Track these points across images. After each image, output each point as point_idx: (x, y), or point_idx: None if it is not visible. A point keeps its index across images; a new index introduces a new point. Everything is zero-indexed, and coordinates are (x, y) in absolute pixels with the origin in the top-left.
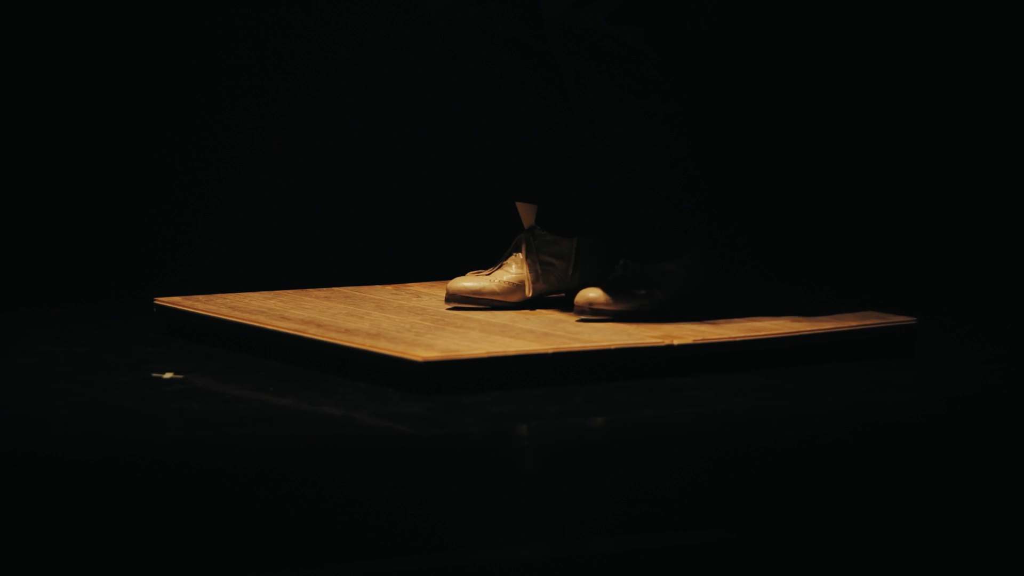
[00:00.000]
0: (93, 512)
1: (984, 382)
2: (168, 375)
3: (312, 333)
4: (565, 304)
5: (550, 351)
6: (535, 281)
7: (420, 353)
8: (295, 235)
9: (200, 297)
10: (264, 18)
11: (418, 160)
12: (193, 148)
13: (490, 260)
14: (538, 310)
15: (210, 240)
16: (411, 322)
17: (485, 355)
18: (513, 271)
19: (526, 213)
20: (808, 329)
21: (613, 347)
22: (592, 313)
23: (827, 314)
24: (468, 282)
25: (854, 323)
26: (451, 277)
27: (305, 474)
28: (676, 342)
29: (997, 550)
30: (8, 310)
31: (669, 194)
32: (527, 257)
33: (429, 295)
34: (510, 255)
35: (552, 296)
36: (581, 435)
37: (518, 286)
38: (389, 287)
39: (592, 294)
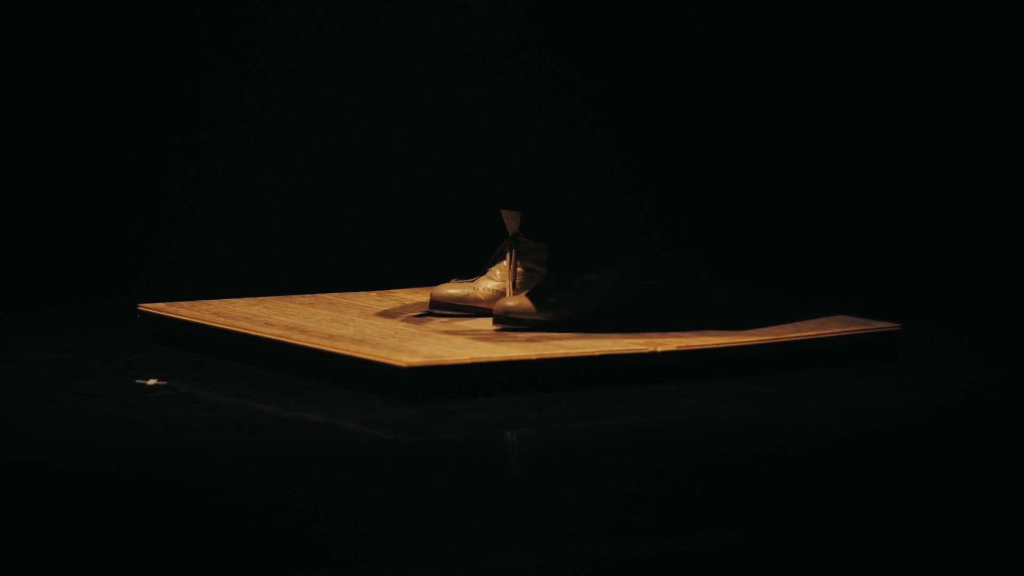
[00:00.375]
0: (76, 519)
1: (967, 388)
2: (152, 381)
3: (296, 339)
4: None
5: (534, 357)
6: (518, 288)
7: (404, 359)
8: (279, 241)
9: (184, 303)
10: (253, 23)
11: (403, 167)
12: (178, 155)
13: (474, 267)
14: None
15: (194, 247)
16: (395, 328)
17: (469, 361)
18: (497, 278)
19: (510, 220)
20: (791, 336)
21: (597, 353)
22: (508, 322)
23: (810, 320)
24: (452, 289)
25: (837, 329)
26: (435, 283)
27: (288, 481)
28: (660, 348)
29: (980, 555)
30: None
31: (591, 198)
32: (510, 264)
33: (413, 301)
34: (494, 262)
35: None
36: (565, 441)
37: (502, 293)
38: (373, 293)
39: (510, 303)
